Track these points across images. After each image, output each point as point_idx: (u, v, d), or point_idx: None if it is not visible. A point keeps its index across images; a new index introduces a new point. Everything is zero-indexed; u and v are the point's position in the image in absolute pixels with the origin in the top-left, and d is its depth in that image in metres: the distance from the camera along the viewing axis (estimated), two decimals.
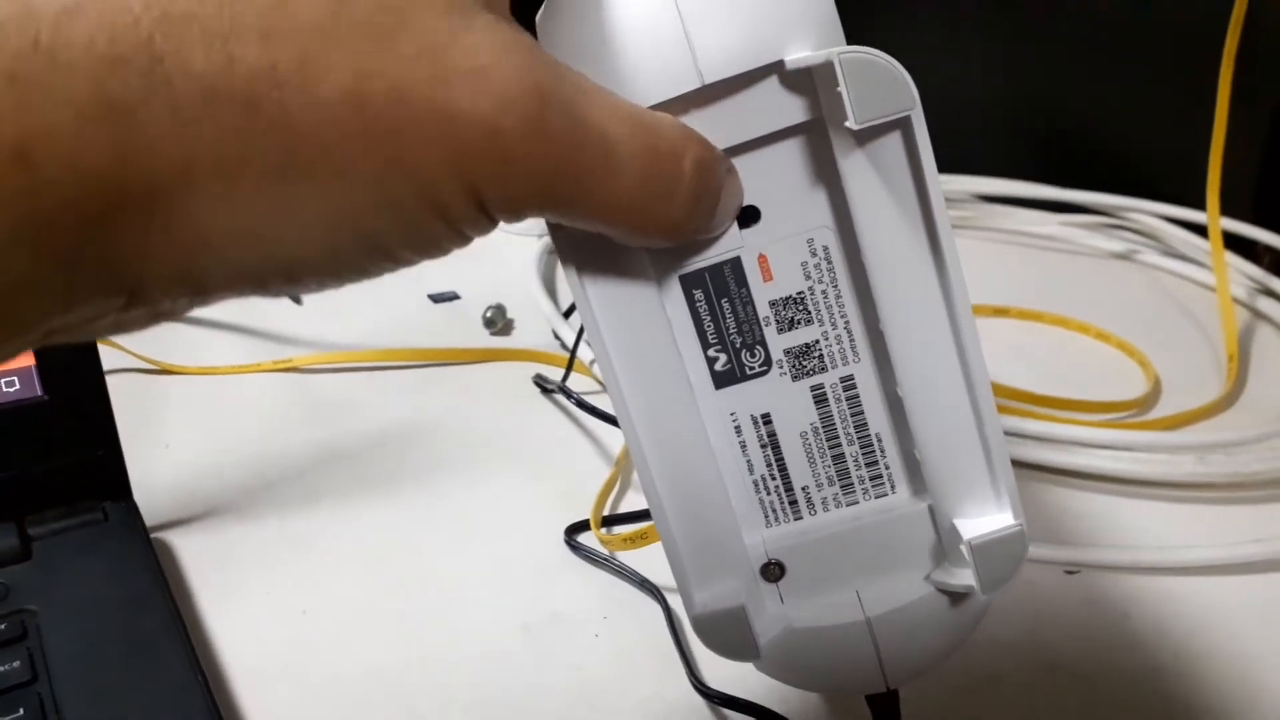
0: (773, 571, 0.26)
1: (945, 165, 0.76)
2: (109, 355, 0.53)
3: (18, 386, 0.39)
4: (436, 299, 0.63)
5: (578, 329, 0.52)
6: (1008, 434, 0.46)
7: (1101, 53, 0.71)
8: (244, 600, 0.38)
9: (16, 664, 0.32)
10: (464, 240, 0.19)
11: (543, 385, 0.52)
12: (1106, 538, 0.41)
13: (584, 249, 0.23)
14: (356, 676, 0.35)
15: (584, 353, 0.53)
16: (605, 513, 0.42)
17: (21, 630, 0.34)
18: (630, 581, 0.38)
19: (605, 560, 0.39)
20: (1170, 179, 0.69)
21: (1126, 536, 0.41)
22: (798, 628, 0.25)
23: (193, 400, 0.52)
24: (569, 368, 0.52)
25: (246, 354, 0.56)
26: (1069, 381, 0.51)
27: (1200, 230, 0.63)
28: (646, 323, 0.23)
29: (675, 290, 0.24)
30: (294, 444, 0.48)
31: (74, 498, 0.39)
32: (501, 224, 0.19)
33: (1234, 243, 0.62)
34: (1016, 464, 0.45)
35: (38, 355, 0.39)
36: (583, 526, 0.41)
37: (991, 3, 0.74)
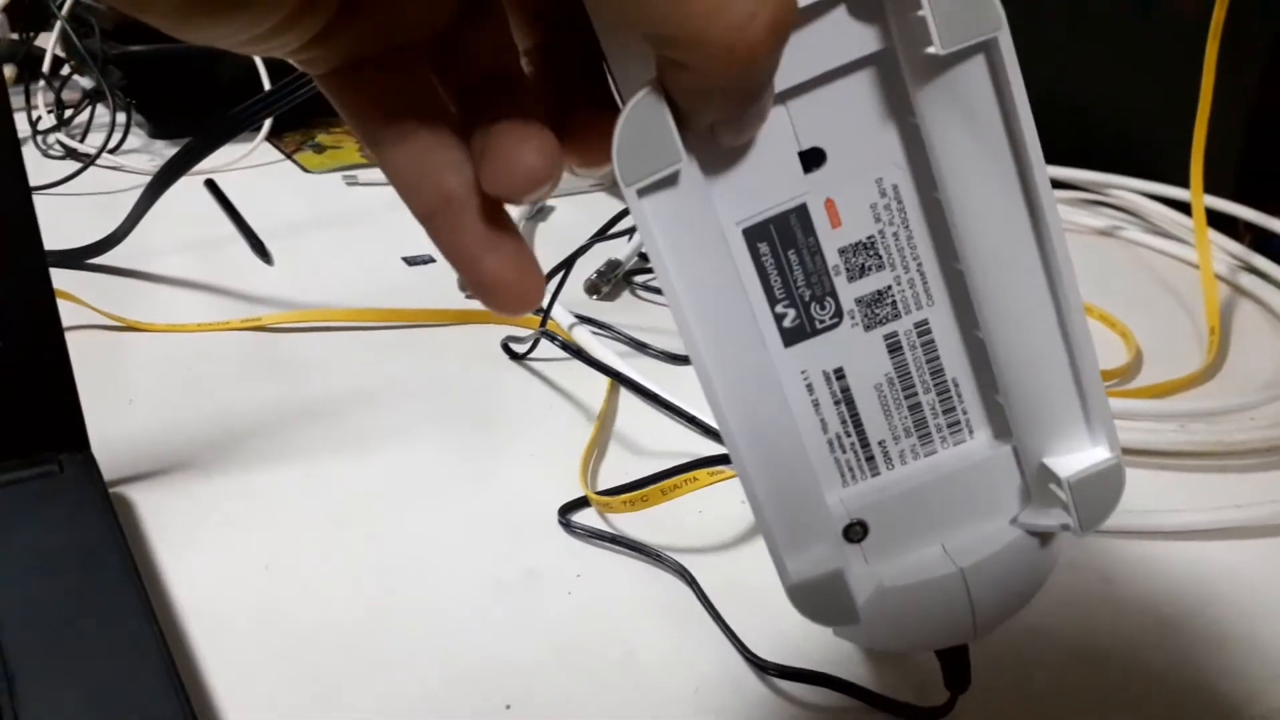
0: (855, 532, 0.24)
1: None
2: (73, 312, 0.52)
3: None
4: (411, 262, 0.61)
5: (551, 292, 0.50)
6: None
7: (1086, 30, 0.71)
8: (205, 555, 0.37)
9: None
10: None
11: (511, 351, 0.51)
12: None
13: (664, 218, 0.21)
14: (319, 631, 0.34)
15: (559, 315, 0.52)
16: (588, 474, 0.41)
17: None
18: (636, 556, 0.37)
19: (607, 536, 0.38)
20: (1154, 156, 0.68)
21: None
22: (889, 587, 0.24)
23: (157, 358, 0.50)
24: (535, 341, 0.50)
25: (213, 313, 0.55)
26: None
27: (1183, 207, 0.63)
28: (724, 288, 0.22)
29: (739, 245, 0.22)
30: (261, 402, 0.47)
31: (29, 449, 0.38)
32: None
33: (1216, 220, 0.62)
34: None
35: None
36: (577, 505, 0.39)
37: None
